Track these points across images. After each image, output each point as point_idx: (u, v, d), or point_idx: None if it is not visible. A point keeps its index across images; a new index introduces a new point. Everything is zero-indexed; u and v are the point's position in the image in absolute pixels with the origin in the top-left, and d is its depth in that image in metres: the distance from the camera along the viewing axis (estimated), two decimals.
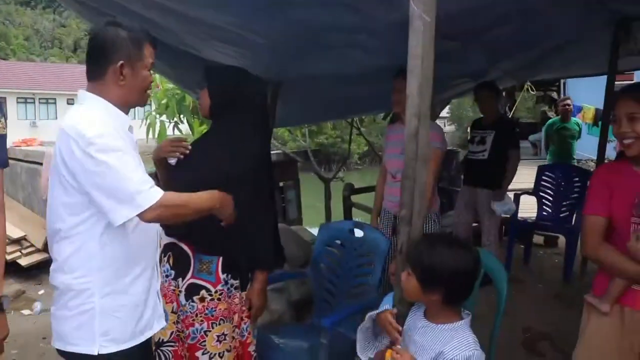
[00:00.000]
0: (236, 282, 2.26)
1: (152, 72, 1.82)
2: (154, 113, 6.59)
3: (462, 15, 2.54)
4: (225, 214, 1.96)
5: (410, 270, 1.64)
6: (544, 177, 5.28)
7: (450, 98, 5.53)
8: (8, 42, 44.28)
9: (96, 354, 1.63)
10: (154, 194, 1.60)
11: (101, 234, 1.63)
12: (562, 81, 13.05)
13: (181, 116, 6.49)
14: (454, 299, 1.64)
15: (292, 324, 3.66)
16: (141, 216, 1.59)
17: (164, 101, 6.32)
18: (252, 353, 2.35)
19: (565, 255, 4.95)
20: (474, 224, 4.75)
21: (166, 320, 1.98)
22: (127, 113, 1.77)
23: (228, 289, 2.23)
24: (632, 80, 15.92)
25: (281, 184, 6.37)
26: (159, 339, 2.21)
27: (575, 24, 3.39)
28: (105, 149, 1.55)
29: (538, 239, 5.88)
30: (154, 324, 1.84)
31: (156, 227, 1.87)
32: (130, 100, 1.74)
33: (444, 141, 3.28)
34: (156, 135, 6.50)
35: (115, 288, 1.66)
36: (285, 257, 2.69)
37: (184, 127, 6.80)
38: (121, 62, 1.67)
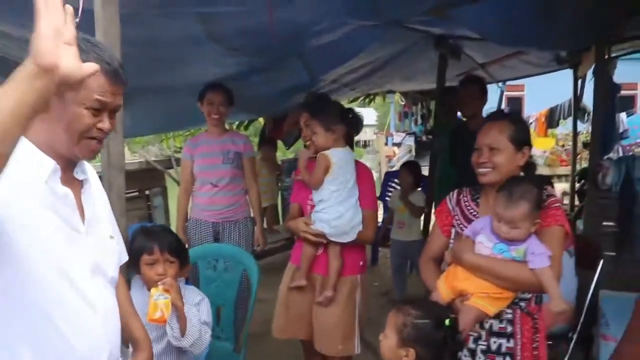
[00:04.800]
0: None
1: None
2: None
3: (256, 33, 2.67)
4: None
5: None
6: (389, 183, 5.55)
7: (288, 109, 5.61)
8: None
9: None
10: None
11: None
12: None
13: None
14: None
15: None
16: None
17: None
18: None
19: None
20: None
21: None
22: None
23: None
24: (522, 91, 16.87)
25: (147, 191, 6.30)
26: None
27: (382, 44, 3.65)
28: None
29: None
30: None
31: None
32: (54, 141, 1.23)
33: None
34: None
35: None
36: None
37: None
38: None
